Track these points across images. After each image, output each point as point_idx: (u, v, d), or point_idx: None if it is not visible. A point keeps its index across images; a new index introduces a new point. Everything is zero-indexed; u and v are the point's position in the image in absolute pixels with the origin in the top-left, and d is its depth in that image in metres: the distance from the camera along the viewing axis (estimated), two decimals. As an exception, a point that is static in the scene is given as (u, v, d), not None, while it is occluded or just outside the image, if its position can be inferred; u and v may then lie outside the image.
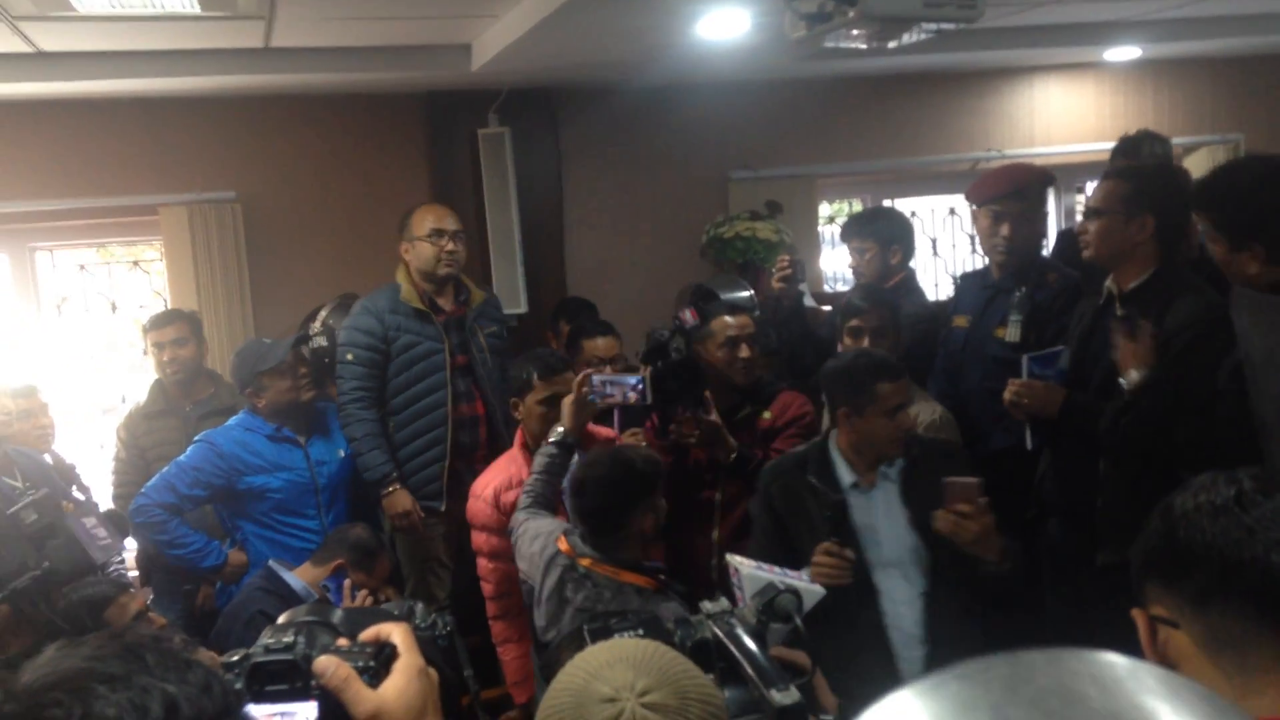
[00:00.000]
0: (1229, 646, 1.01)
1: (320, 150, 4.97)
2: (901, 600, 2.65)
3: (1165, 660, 1.07)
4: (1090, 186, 5.35)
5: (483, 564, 3.28)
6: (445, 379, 3.84)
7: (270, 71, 4.31)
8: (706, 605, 1.54)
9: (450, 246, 3.83)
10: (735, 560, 1.77)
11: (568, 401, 3.10)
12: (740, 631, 1.45)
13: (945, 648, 2.56)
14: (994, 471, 3.35)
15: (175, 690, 0.75)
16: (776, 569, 1.77)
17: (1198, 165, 5.44)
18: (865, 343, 3.35)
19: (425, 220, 3.86)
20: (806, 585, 1.74)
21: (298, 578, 3.32)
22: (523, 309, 4.94)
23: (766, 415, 3.41)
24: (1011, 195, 3.57)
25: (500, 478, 3.26)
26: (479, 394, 3.90)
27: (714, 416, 3.23)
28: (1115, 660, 0.53)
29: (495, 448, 3.81)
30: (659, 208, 5.30)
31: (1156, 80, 5.77)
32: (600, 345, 3.93)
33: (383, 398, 3.85)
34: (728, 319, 3.40)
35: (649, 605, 2.51)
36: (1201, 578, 1.03)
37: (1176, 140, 5.70)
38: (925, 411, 3.36)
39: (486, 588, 3.29)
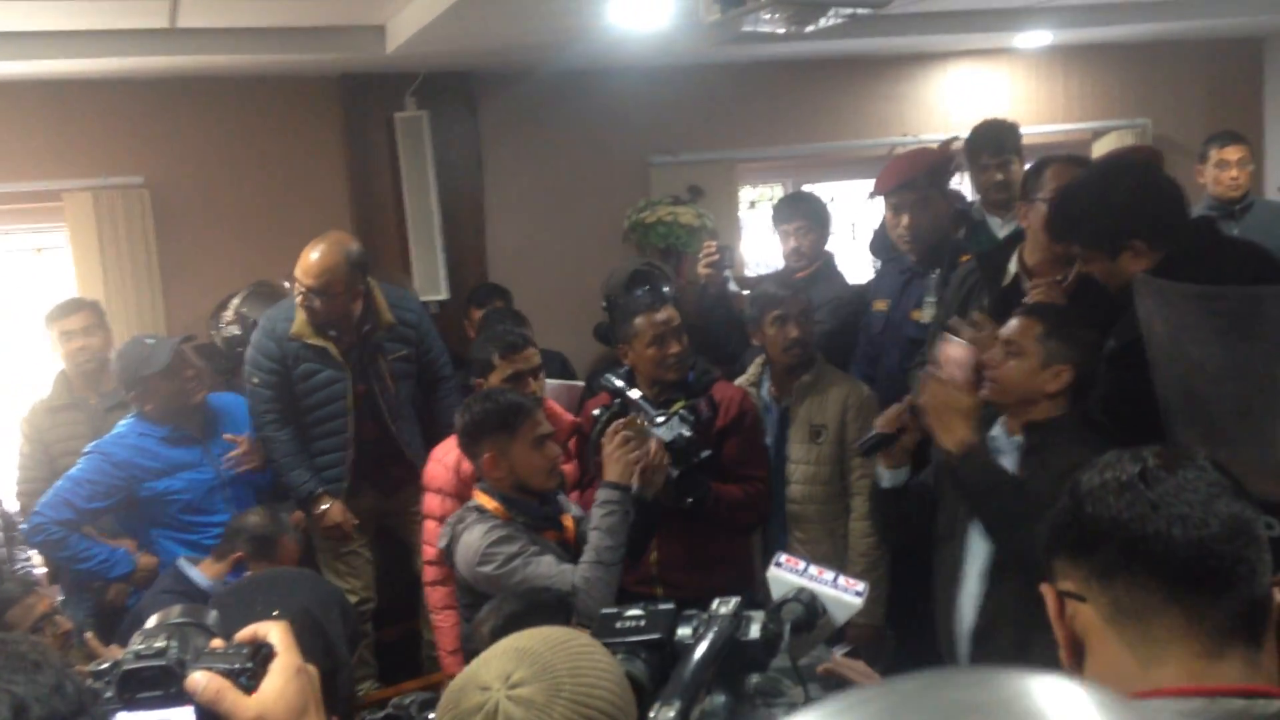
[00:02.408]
0: (1133, 618, 1.04)
1: (231, 134, 4.84)
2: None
3: (1073, 633, 1.10)
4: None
5: (430, 527, 3.23)
6: (346, 407, 3.75)
7: (177, 53, 4.19)
8: (715, 603, 1.51)
9: (317, 305, 3.62)
10: (781, 560, 1.73)
11: (611, 452, 2.83)
12: (710, 637, 1.41)
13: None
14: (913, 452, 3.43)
15: (23, 691, 0.74)
16: (826, 573, 1.72)
17: (1106, 149, 5.58)
18: (790, 330, 3.37)
19: (297, 269, 3.64)
20: (840, 595, 1.67)
21: (203, 574, 3.24)
22: (443, 295, 4.89)
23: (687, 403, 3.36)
24: (903, 186, 3.64)
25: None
26: (379, 421, 3.82)
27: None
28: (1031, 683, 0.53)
29: (396, 472, 3.84)
30: (580, 192, 5.27)
31: (1066, 65, 5.88)
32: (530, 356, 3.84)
33: (296, 412, 3.77)
34: (652, 316, 3.27)
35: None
36: (1108, 552, 1.06)
37: (1085, 125, 5.87)
38: (851, 394, 3.41)
39: (429, 551, 3.25)
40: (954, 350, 2.63)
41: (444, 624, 3.31)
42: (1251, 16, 5.23)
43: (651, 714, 1.19)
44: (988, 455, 2.49)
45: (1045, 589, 1.13)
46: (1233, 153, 4.65)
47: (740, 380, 3.65)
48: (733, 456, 3.28)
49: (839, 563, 3.38)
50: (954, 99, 5.79)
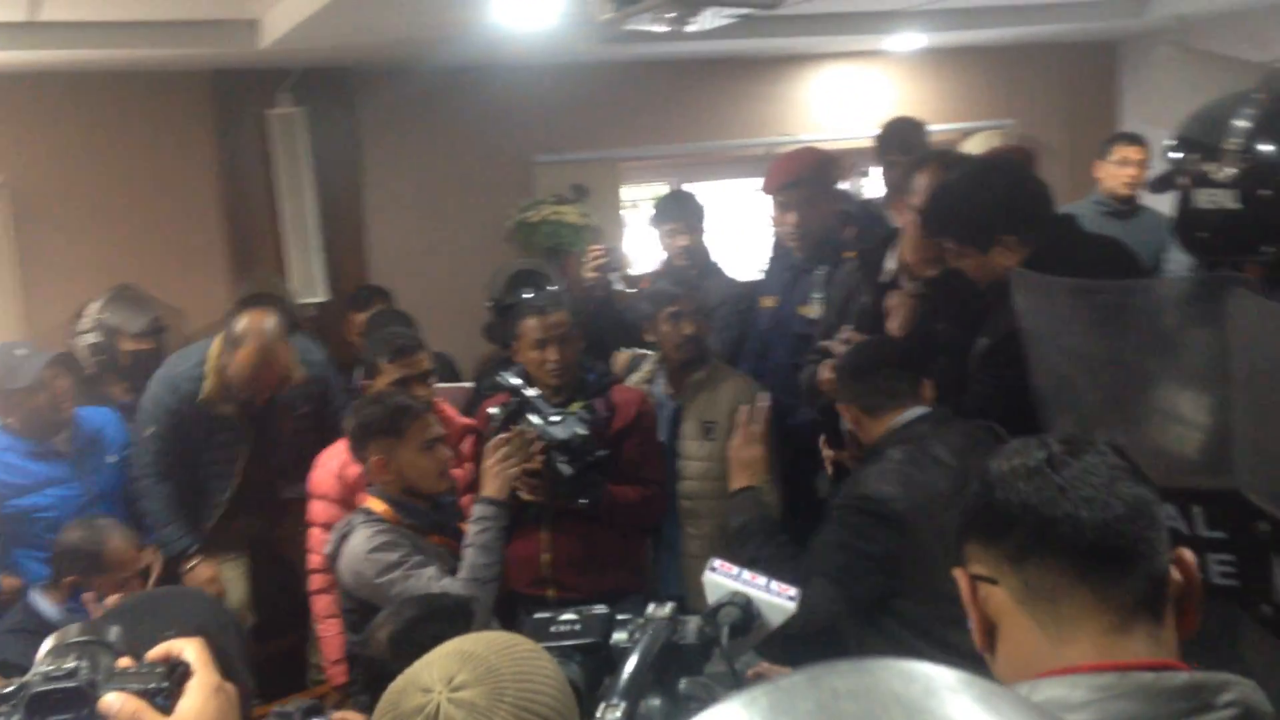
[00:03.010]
0: (1043, 599, 1.07)
1: (96, 132, 4.64)
2: None
3: (985, 616, 1.13)
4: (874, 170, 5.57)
5: (316, 534, 3.16)
6: (236, 463, 3.64)
7: (39, 47, 4.00)
8: (651, 608, 1.51)
9: (238, 392, 3.51)
10: (716, 565, 1.72)
11: (490, 466, 2.87)
12: (647, 640, 1.41)
13: None
14: (798, 446, 3.49)
15: None
16: (759, 578, 1.71)
17: (975, 149, 5.77)
18: (685, 327, 3.39)
19: (232, 368, 3.45)
20: (773, 599, 1.67)
21: (51, 603, 3.04)
22: (321, 296, 4.77)
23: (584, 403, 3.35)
24: (791, 185, 3.72)
25: (345, 452, 3.12)
26: (269, 475, 3.70)
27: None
28: (928, 672, 0.54)
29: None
30: (463, 191, 5.20)
31: (937, 67, 6.06)
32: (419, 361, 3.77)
33: (181, 463, 3.62)
34: (532, 321, 3.23)
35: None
36: (1018, 536, 1.09)
37: (955, 126, 6.05)
38: (742, 390, 3.45)
39: (314, 559, 3.17)
40: (751, 411, 2.85)
41: (328, 633, 3.23)
42: (1106, 21, 5.46)
43: (597, 715, 1.18)
44: (754, 502, 2.74)
45: (958, 573, 1.16)
46: (1135, 152, 4.80)
47: (635, 377, 3.66)
48: (630, 458, 3.28)
49: (729, 557, 3.42)
50: (830, 100, 5.91)
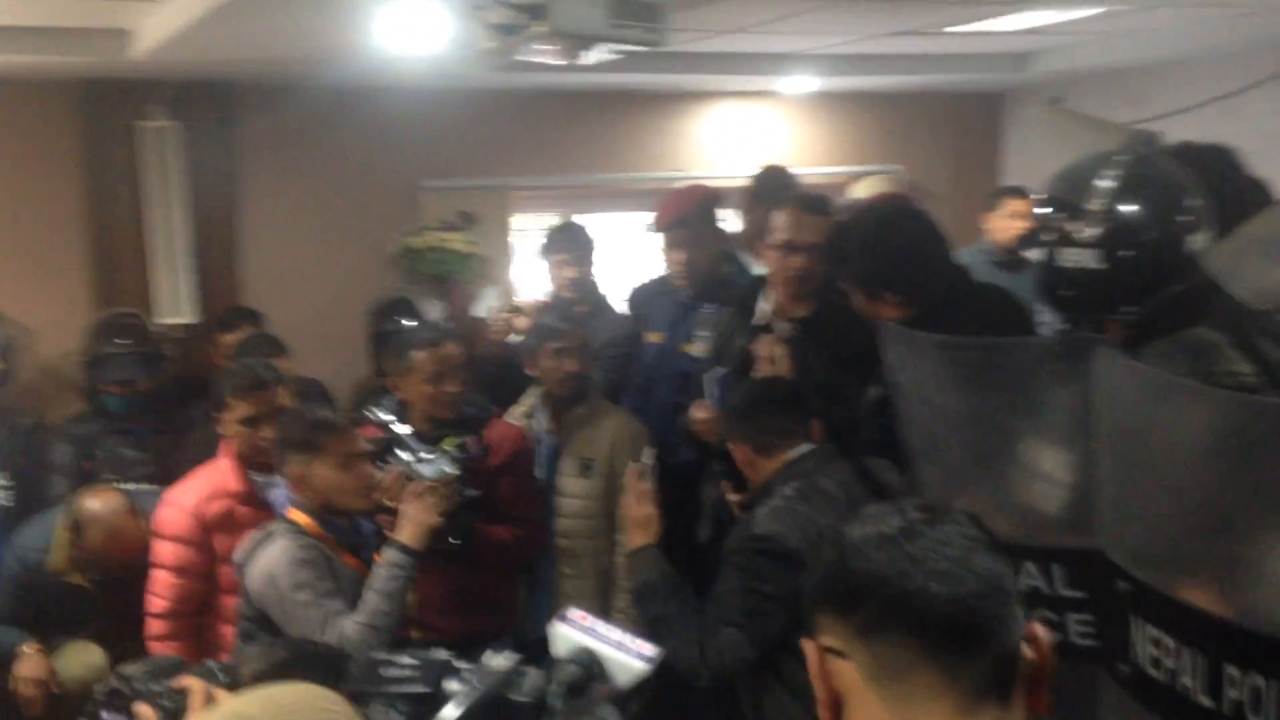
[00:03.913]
0: (893, 677, 1.03)
1: (-48, 139, 4.40)
2: None
3: (833, 690, 1.09)
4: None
5: (162, 578, 2.99)
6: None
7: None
8: (487, 656, 1.43)
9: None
10: (569, 616, 1.64)
11: (412, 514, 2.78)
12: (471, 694, 1.32)
13: None
14: (679, 485, 3.46)
15: None
16: (614, 632, 1.63)
17: (864, 193, 5.87)
18: (568, 363, 3.35)
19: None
20: (625, 659, 1.59)
21: None
22: (188, 319, 4.59)
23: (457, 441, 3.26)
24: (676, 223, 3.74)
25: (205, 488, 3.02)
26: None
27: None
28: None
29: None
30: (345, 214, 5.06)
31: (829, 111, 6.14)
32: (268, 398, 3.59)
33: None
34: (424, 353, 3.15)
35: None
36: (870, 608, 1.05)
37: (844, 169, 6.14)
38: (622, 427, 3.41)
39: (158, 604, 3.00)
40: (636, 469, 2.90)
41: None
42: (991, 74, 5.60)
43: None
44: (652, 561, 2.75)
45: (806, 644, 1.12)
46: (1023, 205, 4.92)
47: (515, 411, 3.59)
48: (505, 497, 3.20)
49: (605, 597, 3.36)
50: (722, 138, 5.93)
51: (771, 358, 3.06)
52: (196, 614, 3.02)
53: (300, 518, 2.72)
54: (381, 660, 1.45)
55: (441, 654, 1.48)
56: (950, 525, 1.08)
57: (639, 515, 2.81)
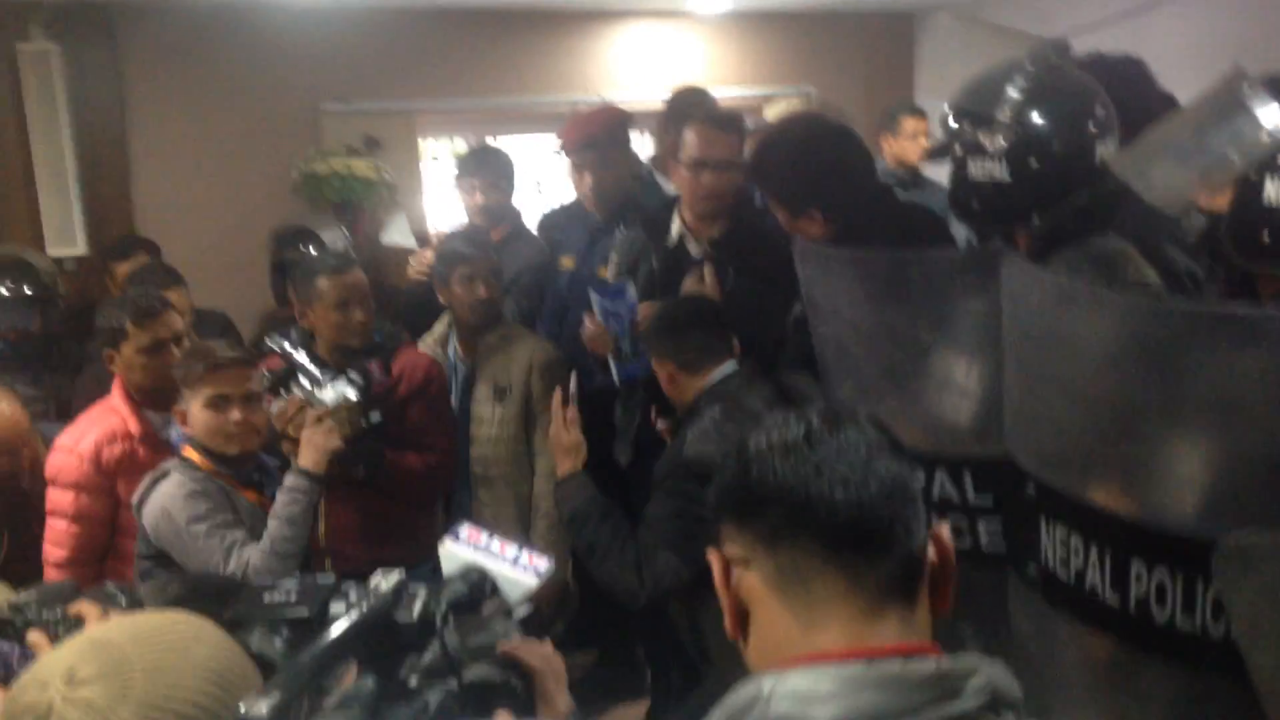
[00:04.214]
0: (797, 584, 1.03)
1: None
2: None
3: (738, 600, 1.08)
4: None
5: (59, 528, 2.85)
6: None
7: None
8: (376, 578, 1.36)
9: None
10: (460, 534, 1.58)
11: (310, 437, 2.69)
12: (352, 616, 1.27)
13: None
14: (597, 410, 3.44)
15: None
16: (509, 548, 1.59)
17: (774, 114, 5.84)
18: (478, 289, 3.28)
19: None
20: (517, 574, 1.55)
21: None
22: (80, 250, 4.40)
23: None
24: (586, 145, 3.68)
25: (100, 431, 2.86)
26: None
27: None
28: None
29: None
30: (243, 138, 4.87)
31: (740, 31, 6.07)
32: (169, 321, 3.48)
33: None
34: (327, 281, 3.05)
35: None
36: (773, 516, 1.04)
37: (756, 91, 6.09)
38: (536, 352, 3.36)
39: (57, 553, 2.87)
40: (560, 394, 2.85)
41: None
42: (903, -7, 5.60)
43: (242, 706, 1.06)
44: (581, 485, 2.73)
45: (711, 554, 1.11)
46: (920, 124, 4.93)
47: (427, 339, 3.53)
48: (414, 424, 3.14)
49: (524, 524, 3.35)
50: (633, 59, 5.84)
51: (701, 278, 3.03)
52: (99, 561, 2.92)
53: (194, 455, 2.63)
54: (264, 586, 1.40)
55: (328, 578, 1.43)
56: (852, 430, 1.07)
57: (566, 442, 2.78)
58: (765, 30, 6.11)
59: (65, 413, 3.28)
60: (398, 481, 3.05)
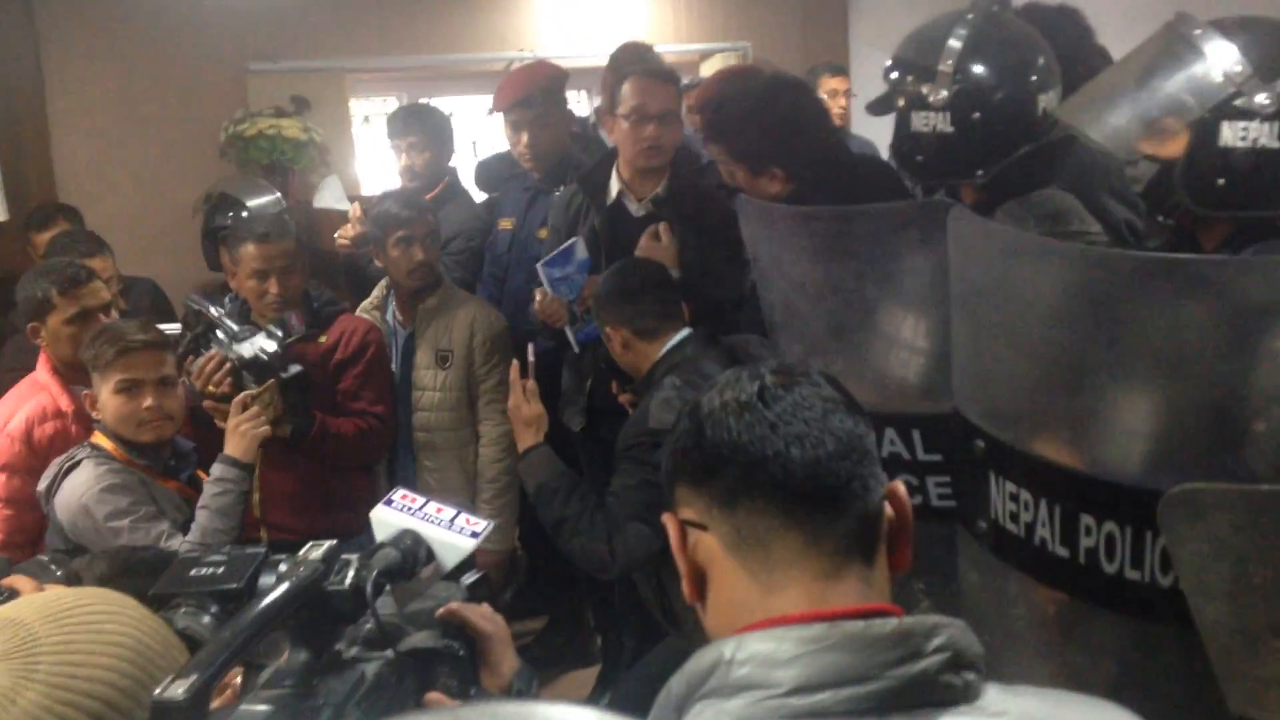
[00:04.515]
0: (755, 545, 1.01)
1: None
2: None
3: (695, 564, 1.06)
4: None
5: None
6: None
7: None
8: (305, 549, 1.29)
9: None
10: (394, 498, 1.51)
11: (236, 425, 2.61)
12: (281, 588, 1.22)
13: None
14: (540, 375, 3.40)
15: None
16: (446, 510, 1.52)
17: (711, 70, 5.79)
18: (415, 252, 3.20)
19: None
20: (453, 538, 1.48)
21: None
22: (2, 216, 4.25)
23: (322, 339, 3.07)
24: (521, 103, 3.61)
25: (30, 409, 2.75)
26: None
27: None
28: None
29: None
30: (167, 100, 4.73)
31: (675, -13, 6.02)
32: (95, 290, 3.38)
33: None
34: (251, 248, 2.96)
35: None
36: (729, 477, 1.02)
37: (692, 47, 6.04)
38: (478, 316, 3.31)
39: None
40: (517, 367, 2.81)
41: None
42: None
43: (157, 690, 1.01)
44: (544, 459, 2.69)
45: (667, 518, 1.09)
46: (840, 82, 4.91)
47: (364, 304, 3.46)
48: (349, 389, 3.08)
49: (469, 491, 3.31)
50: (568, 16, 5.76)
51: (656, 234, 2.97)
52: (33, 545, 2.81)
53: (105, 442, 2.53)
54: (190, 559, 1.32)
55: (257, 549, 1.37)
56: (807, 387, 1.05)
57: (527, 414, 2.73)
58: (701, -15, 6.05)
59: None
60: (329, 446, 2.98)
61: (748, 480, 1.01)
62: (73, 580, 1.51)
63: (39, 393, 2.82)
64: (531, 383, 2.76)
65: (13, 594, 1.48)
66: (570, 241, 3.16)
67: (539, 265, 3.17)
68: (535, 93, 3.63)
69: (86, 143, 4.59)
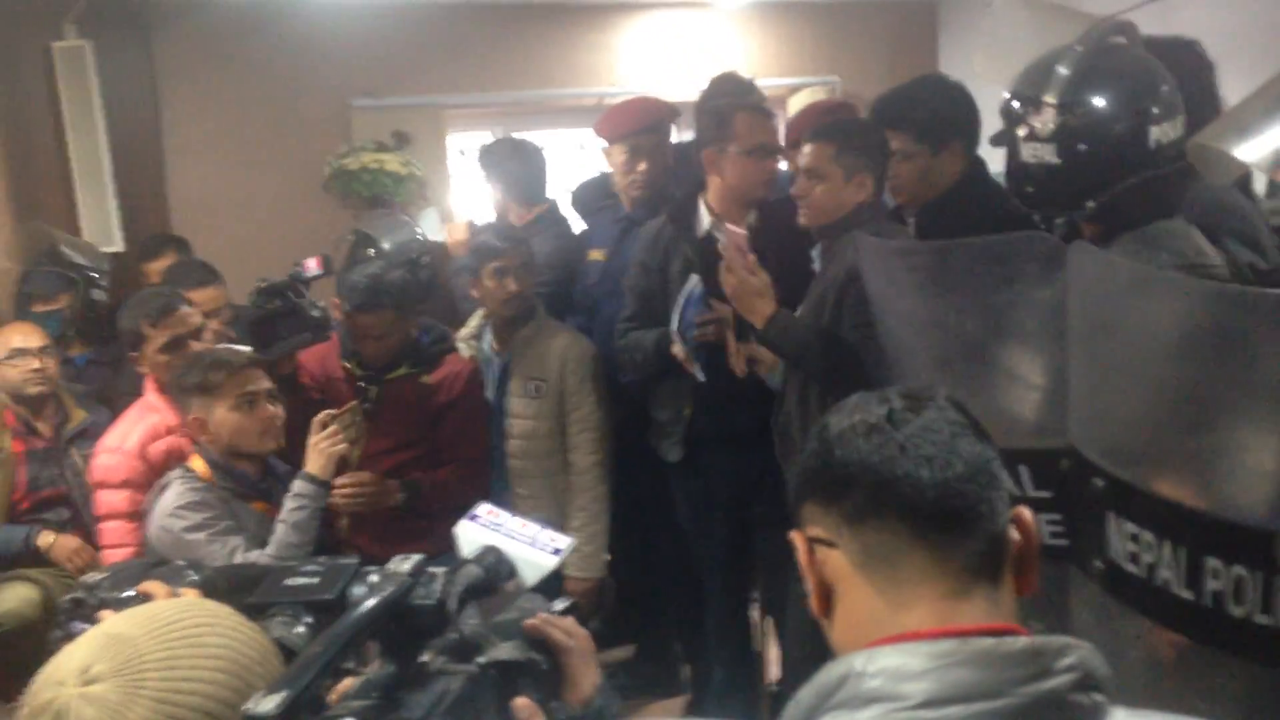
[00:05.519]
0: (882, 562, 1.03)
1: None
2: None
3: (823, 580, 1.08)
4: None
5: (118, 527, 2.82)
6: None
7: None
8: (394, 562, 1.30)
9: (36, 364, 3.34)
10: (477, 514, 1.53)
11: (316, 442, 2.71)
12: (369, 603, 1.24)
13: None
14: (625, 404, 3.42)
15: None
16: (530, 526, 1.53)
17: (800, 105, 5.79)
18: (510, 283, 3.26)
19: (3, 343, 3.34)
20: (534, 554, 1.49)
21: None
22: (118, 246, 4.42)
23: (427, 380, 3.16)
24: (646, 130, 3.63)
25: (143, 428, 2.88)
26: (75, 521, 3.41)
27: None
28: None
29: None
30: (274, 135, 4.89)
31: (762, 23, 6.04)
32: (202, 297, 3.46)
33: None
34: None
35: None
36: (857, 496, 1.04)
37: (781, 81, 6.06)
38: (571, 346, 3.35)
39: (120, 555, 2.84)
40: (734, 237, 2.79)
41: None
42: (927, -19, 5.55)
43: (249, 705, 1.02)
44: (790, 318, 2.73)
45: (795, 536, 1.11)
46: None
47: (462, 333, 3.52)
48: (449, 434, 3.16)
49: (561, 518, 3.33)
50: (657, 51, 5.82)
51: (738, 246, 2.98)
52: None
53: (197, 464, 2.65)
54: (286, 569, 1.36)
55: (349, 560, 1.39)
56: (934, 411, 1.07)
57: (757, 284, 2.73)
58: (788, 20, 6.08)
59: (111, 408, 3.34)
60: (435, 498, 3.06)
61: (877, 499, 1.03)
62: (207, 585, 1.55)
63: (149, 413, 2.94)
64: (751, 255, 2.76)
65: (147, 599, 1.52)
66: (690, 286, 3.12)
67: (676, 326, 3.06)
68: (660, 121, 3.68)
69: (199, 175, 4.76)
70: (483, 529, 1.50)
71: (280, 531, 2.58)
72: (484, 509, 1.53)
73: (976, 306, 2.00)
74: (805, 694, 0.97)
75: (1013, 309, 1.93)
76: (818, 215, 2.82)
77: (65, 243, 4.06)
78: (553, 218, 4.00)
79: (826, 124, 2.96)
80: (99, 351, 3.87)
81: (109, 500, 2.86)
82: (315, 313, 3.14)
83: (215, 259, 3.98)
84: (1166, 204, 1.99)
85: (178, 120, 4.73)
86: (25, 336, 3.42)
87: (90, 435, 3.33)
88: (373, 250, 4.04)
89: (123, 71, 4.49)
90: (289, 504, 2.62)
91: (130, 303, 3.10)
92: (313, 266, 3.29)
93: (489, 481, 3.30)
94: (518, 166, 3.96)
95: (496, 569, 1.43)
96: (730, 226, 2.86)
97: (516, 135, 5.20)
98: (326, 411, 2.78)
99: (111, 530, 2.84)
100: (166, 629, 1.13)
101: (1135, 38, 2.11)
